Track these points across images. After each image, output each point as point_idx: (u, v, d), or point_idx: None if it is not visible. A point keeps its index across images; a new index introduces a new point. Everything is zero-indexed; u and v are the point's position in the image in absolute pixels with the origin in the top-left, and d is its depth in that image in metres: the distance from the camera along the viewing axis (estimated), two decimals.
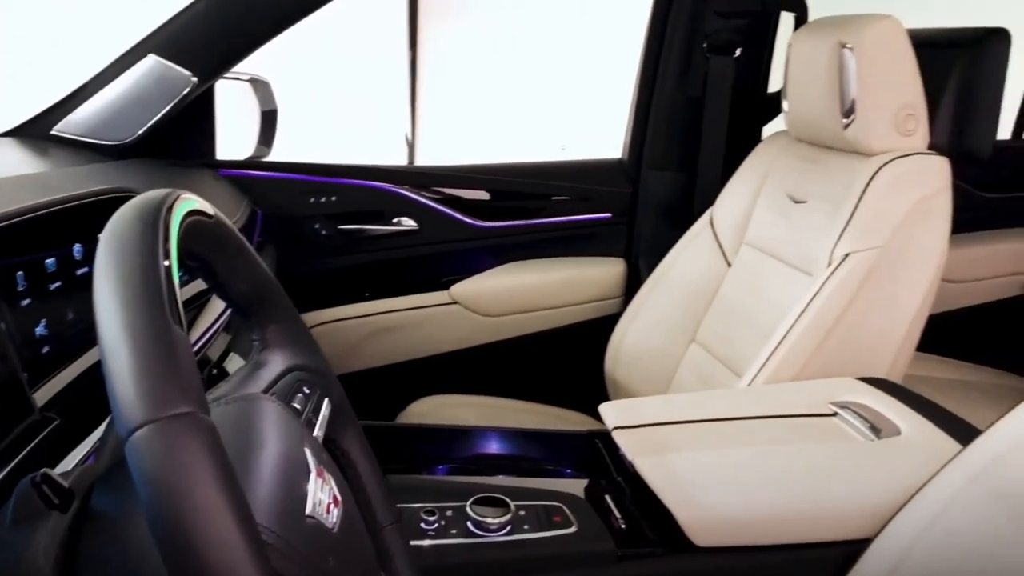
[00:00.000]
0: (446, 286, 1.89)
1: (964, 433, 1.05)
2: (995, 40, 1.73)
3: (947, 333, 2.01)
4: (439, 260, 1.90)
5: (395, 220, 1.85)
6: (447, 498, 0.99)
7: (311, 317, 1.83)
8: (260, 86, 1.76)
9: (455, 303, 1.89)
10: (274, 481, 0.51)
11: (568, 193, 1.96)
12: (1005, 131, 2.27)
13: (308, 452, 0.57)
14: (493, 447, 1.22)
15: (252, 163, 1.76)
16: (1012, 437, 0.89)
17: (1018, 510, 0.85)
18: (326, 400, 0.71)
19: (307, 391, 0.69)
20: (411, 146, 4.75)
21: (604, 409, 1.17)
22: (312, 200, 1.80)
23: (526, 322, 1.94)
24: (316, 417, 0.68)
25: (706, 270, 1.72)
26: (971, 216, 2.09)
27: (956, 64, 1.74)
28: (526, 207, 1.95)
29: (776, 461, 1.04)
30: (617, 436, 1.09)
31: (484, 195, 1.93)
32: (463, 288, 1.89)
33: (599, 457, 1.16)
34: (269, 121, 1.79)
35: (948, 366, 1.97)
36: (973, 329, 2.09)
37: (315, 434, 0.66)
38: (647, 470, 1.01)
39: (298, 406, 0.66)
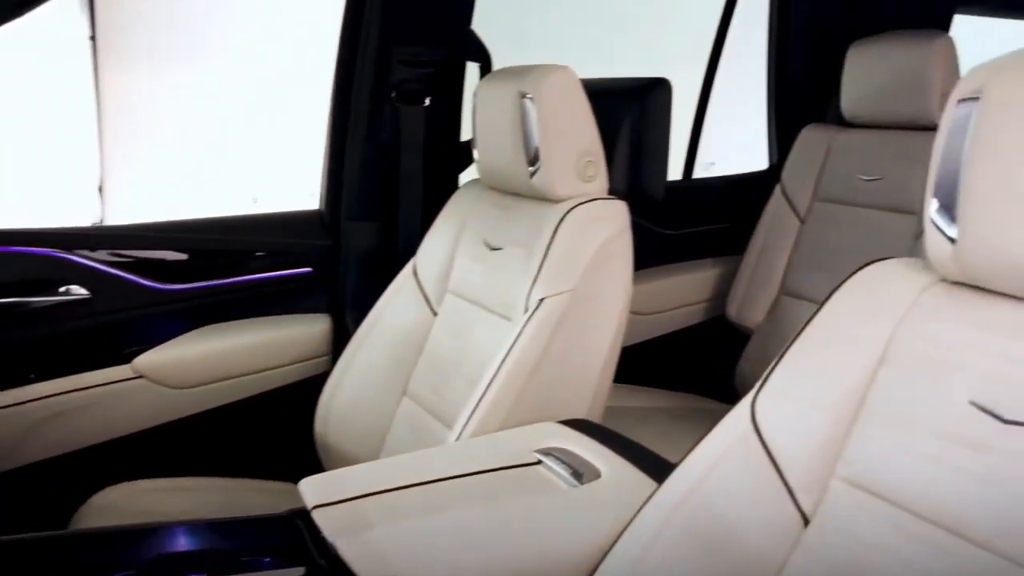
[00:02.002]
0: (128, 359, 1.69)
1: (660, 470, 1.08)
2: (658, 89, 1.87)
3: (642, 363, 2.14)
4: (118, 330, 1.70)
5: (62, 289, 1.63)
6: None
7: None
8: None
9: (139, 377, 1.69)
10: None
11: (264, 248, 1.85)
12: (677, 171, 2.48)
13: None
14: (180, 544, 1.08)
15: None
16: (702, 469, 0.92)
17: (709, 540, 0.88)
18: None
19: None
20: (102, 200, 4.37)
21: (304, 486, 1.08)
22: None
23: (225, 391, 1.79)
24: None
25: (413, 321, 1.69)
26: (654, 252, 2.24)
27: (626, 112, 1.86)
28: (218, 265, 1.81)
29: (482, 521, 1.01)
30: (317, 516, 1.01)
31: (170, 255, 1.77)
32: (148, 360, 1.70)
33: (301, 541, 1.06)
34: None
35: (645, 395, 2.09)
36: (665, 357, 2.24)
37: None
38: (348, 551, 0.93)
39: None
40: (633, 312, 2.14)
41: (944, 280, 0.83)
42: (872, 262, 0.89)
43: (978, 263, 0.75)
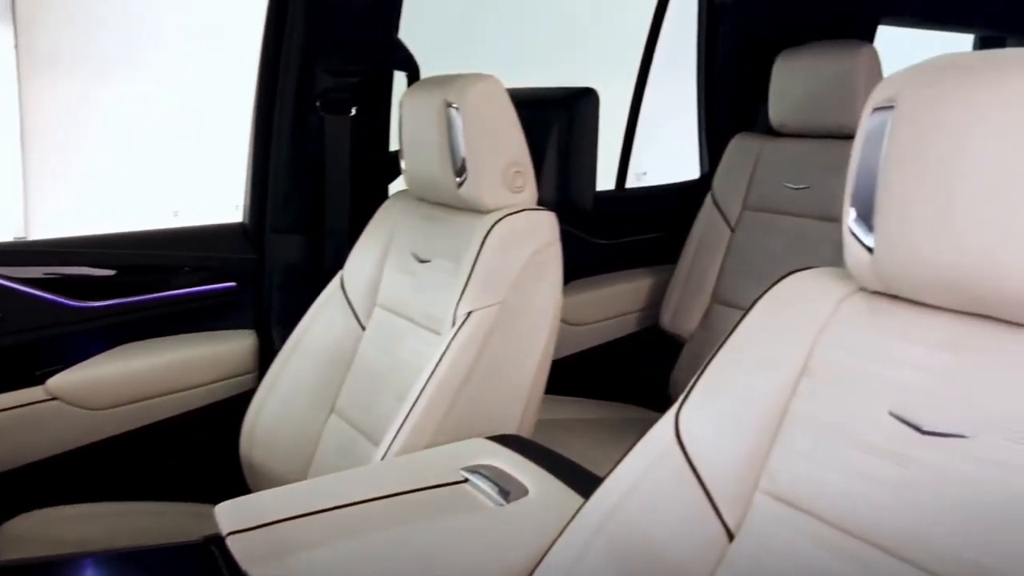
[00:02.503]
0: (41, 380, 1.62)
1: (588, 485, 1.06)
2: (586, 99, 1.87)
3: (577, 374, 2.12)
4: (29, 351, 1.62)
5: None
6: None
7: None
8: None
9: (53, 399, 1.62)
10: None
11: (186, 263, 1.79)
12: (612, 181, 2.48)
13: None
14: (87, 575, 1.03)
15: None
16: (626, 485, 0.90)
17: (634, 557, 0.86)
18: None
19: None
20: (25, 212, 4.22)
21: (220, 511, 1.04)
22: None
23: (146, 411, 1.72)
24: None
25: (341, 335, 1.65)
26: (588, 262, 2.23)
27: (554, 122, 1.85)
28: (138, 281, 1.74)
29: (405, 544, 0.98)
30: (232, 542, 0.97)
31: (86, 271, 1.70)
32: (63, 380, 1.63)
33: (215, 569, 1.02)
34: None
35: (579, 406, 2.07)
36: (600, 367, 2.23)
37: None
38: None
39: None
40: (567, 323, 2.13)
41: (863, 290, 0.82)
42: (792, 272, 0.89)
43: (895, 273, 0.75)
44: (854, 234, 0.78)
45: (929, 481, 0.69)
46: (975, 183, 0.67)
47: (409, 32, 1.82)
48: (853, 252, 0.79)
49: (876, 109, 0.76)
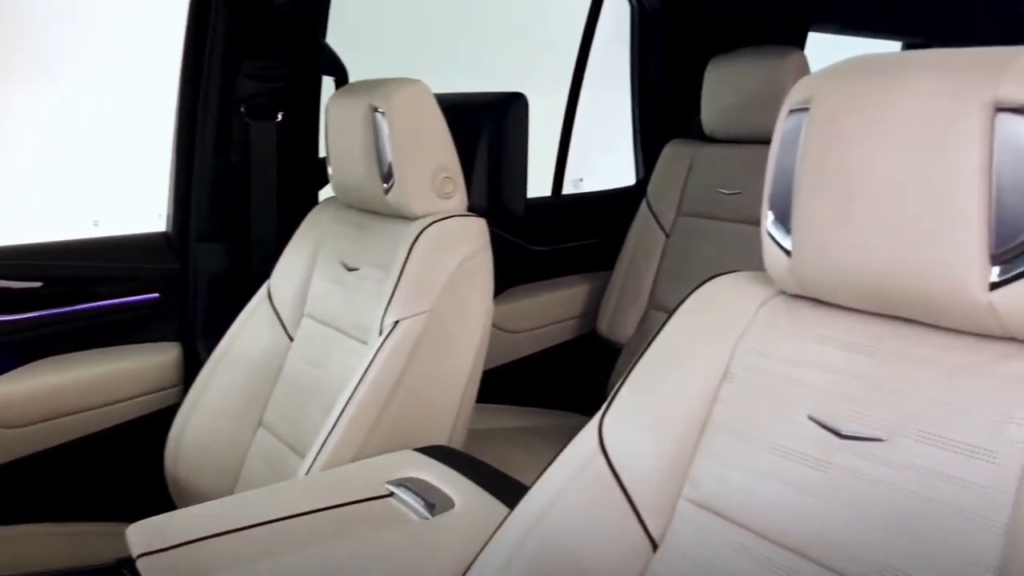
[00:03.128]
0: None
1: (514, 496, 1.04)
2: (515, 104, 1.85)
3: (514, 382, 2.10)
4: None
5: None
6: None
7: None
8: None
9: None
10: None
11: (106, 274, 1.72)
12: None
13: None
14: None
15: None
16: (550, 495, 0.88)
17: (553, 572, 0.84)
18: None
19: None
20: None
21: (132, 532, 0.99)
22: None
23: (66, 428, 1.65)
24: None
25: (268, 347, 1.60)
26: (525, 269, 2.22)
27: (483, 127, 1.83)
28: (55, 294, 1.68)
29: (326, 561, 0.95)
30: (142, 565, 0.93)
31: (0, 282, 1.63)
32: None
33: None
34: None
35: (515, 414, 2.05)
36: (537, 374, 2.21)
37: None
38: None
39: None
40: (504, 330, 2.11)
41: (783, 293, 0.81)
42: (714, 276, 0.88)
43: (812, 276, 0.74)
44: (772, 237, 0.77)
45: (848, 486, 0.68)
46: (885, 185, 0.66)
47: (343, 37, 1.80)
48: (771, 255, 0.78)
49: (792, 111, 0.75)
